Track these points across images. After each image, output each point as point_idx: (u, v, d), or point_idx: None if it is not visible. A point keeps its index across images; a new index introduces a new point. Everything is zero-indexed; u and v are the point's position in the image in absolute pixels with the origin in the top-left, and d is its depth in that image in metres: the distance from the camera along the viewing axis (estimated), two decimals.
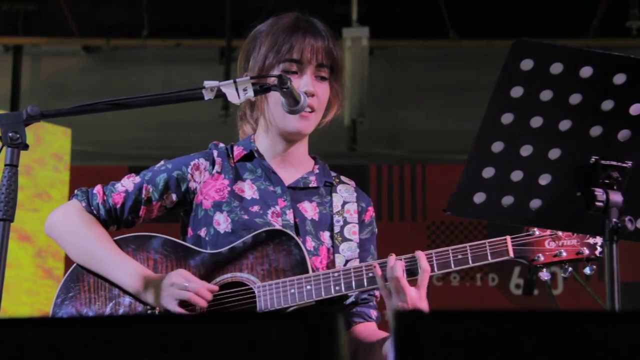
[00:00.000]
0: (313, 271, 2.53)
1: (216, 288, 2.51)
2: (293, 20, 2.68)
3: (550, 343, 1.28)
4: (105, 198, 2.67)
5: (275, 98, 2.57)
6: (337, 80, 2.72)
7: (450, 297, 6.76)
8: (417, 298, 2.42)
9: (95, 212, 2.66)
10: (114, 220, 2.68)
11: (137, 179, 2.69)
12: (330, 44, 2.67)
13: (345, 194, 2.75)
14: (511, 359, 1.28)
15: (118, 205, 2.66)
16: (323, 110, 2.70)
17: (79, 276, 2.62)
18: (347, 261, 2.64)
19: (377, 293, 2.69)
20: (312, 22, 2.70)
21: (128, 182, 2.68)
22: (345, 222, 2.69)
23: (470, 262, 2.51)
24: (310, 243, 2.63)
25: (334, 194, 2.74)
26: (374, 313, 2.71)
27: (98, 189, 2.69)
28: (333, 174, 2.80)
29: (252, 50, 2.70)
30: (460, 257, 2.50)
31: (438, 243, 6.86)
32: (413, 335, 1.28)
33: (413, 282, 2.46)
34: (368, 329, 2.67)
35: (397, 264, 2.44)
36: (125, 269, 2.56)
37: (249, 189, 2.67)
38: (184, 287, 2.47)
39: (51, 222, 2.69)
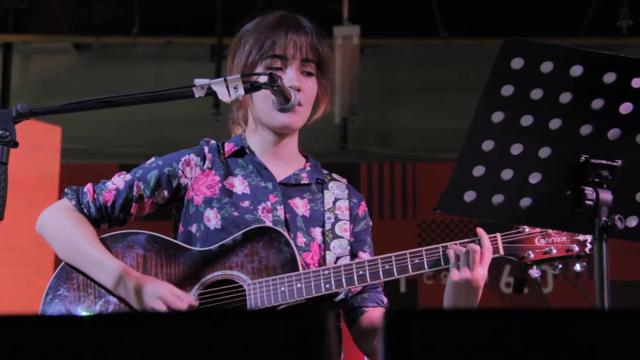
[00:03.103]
0: (303, 268, 2.53)
1: (196, 305, 2.51)
2: (277, 18, 2.69)
3: (540, 341, 1.28)
4: (95, 196, 2.66)
5: (260, 94, 2.56)
6: (325, 76, 2.72)
7: (441, 295, 6.76)
8: (482, 275, 2.50)
9: (85, 210, 2.66)
10: (105, 218, 2.68)
11: (128, 176, 2.68)
12: (314, 40, 2.67)
13: (337, 190, 2.76)
14: (501, 357, 1.28)
15: (109, 203, 2.66)
16: (311, 105, 2.70)
17: (68, 273, 2.61)
18: (337, 258, 2.65)
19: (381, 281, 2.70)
20: (297, 19, 2.70)
21: (119, 180, 2.68)
22: (337, 219, 2.70)
23: None
24: (301, 239, 2.63)
25: (325, 191, 2.74)
26: (384, 298, 2.72)
27: (88, 187, 2.68)
28: (325, 171, 2.81)
29: (237, 49, 2.71)
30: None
31: (429, 241, 6.86)
32: (403, 334, 1.28)
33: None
34: (383, 313, 2.67)
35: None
36: (105, 268, 2.55)
37: (239, 184, 2.67)
38: None
39: (41, 221, 2.69)
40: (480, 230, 2.52)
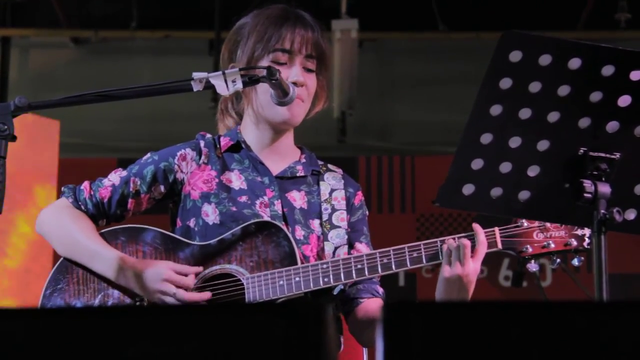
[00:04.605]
0: (302, 262, 2.53)
1: (208, 296, 2.52)
2: (281, 11, 2.68)
3: (538, 334, 1.28)
4: (92, 193, 2.67)
5: (263, 88, 2.57)
6: (324, 72, 2.72)
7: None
8: (475, 270, 2.48)
9: (82, 207, 2.66)
10: (103, 215, 2.68)
11: (124, 172, 2.69)
12: (318, 36, 2.67)
13: (332, 181, 2.76)
14: (499, 350, 1.28)
15: (105, 200, 2.66)
16: (311, 100, 2.70)
17: (67, 268, 2.62)
18: (336, 248, 2.65)
19: None
20: (300, 14, 2.70)
21: (115, 177, 2.68)
22: (334, 210, 2.70)
23: None
24: (299, 232, 2.63)
25: (321, 183, 2.74)
26: (380, 289, 2.73)
27: (85, 184, 2.69)
28: (320, 162, 2.81)
29: (238, 42, 2.70)
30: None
31: (427, 235, 6.86)
32: (402, 326, 1.28)
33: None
34: (378, 304, 2.68)
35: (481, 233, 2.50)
36: (104, 258, 2.56)
37: (236, 179, 2.67)
38: (172, 295, 2.48)
39: (40, 220, 2.71)
40: (475, 226, 2.51)
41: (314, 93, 2.71)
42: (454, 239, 2.50)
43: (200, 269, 2.54)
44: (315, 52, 2.67)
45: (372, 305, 2.67)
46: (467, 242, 2.47)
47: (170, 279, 2.48)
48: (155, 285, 2.48)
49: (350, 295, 2.69)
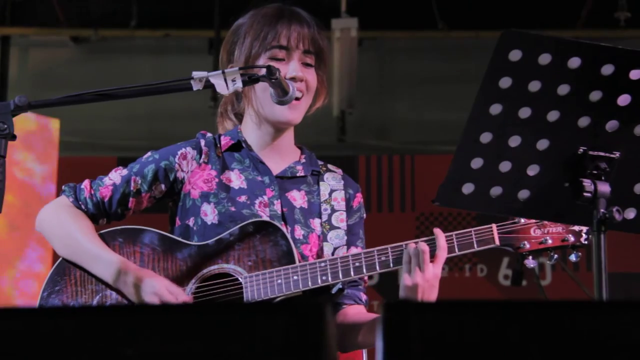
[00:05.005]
0: (300, 261, 2.53)
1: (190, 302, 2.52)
2: (276, 9, 2.68)
3: (538, 333, 1.28)
4: (92, 192, 2.66)
5: (263, 87, 2.56)
6: (323, 68, 2.72)
7: (439, 287, 6.74)
8: (435, 275, 2.45)
9: (83, 206, 2.66)
10: (103, 214, 2.68)
11: (125, 171, 2.68)
12: (315, 32, 2.67)
13: (332, 182, 2.76)
14: (499, 349, 1.28)
15: (106, 199, 2.66)
16: (312, 96, 2.70)
17: (65, 269, 2.61)
18: (335, 249, 2.65)
19: (365, 277, 2.70)
20: (296, 11, 2.70)
21: (115, 176, 2.68)
22: (333, 210, 2.70)
23: (456, 250, 2.52)
24: (299, 231, 2.63)
25: (321, 183, 2.74)
26: (363, 296, 2.72)
27: (85, 184, 2.69)
28: (320, 162, 2.80)
29: (235, 42, 2.70)
30: (447, 245, 2.51)
31: (427, 234, 6.81)
32: (401, 326, 1.28)
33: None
34: (359, 312, 2.68)
35: (442, 237, 2.49)
36: (104, 261, 2.55)
37: (236, 179, 2.67)
38: None
39: (40, 219, 2.70)
40: (436, 230, 2.51)
41: (314, 87, 2.70)
42: (416, 242, 2.48)
43: (190, 298, 2.53)
44: (313, 47, 2.66)
45: (351, 311, 2.67)
46: (426, 248, 2.46)
47: (159, 293, 2.47)
48: (145, 297, 2.48)
49: (335, 299, 2.69)
